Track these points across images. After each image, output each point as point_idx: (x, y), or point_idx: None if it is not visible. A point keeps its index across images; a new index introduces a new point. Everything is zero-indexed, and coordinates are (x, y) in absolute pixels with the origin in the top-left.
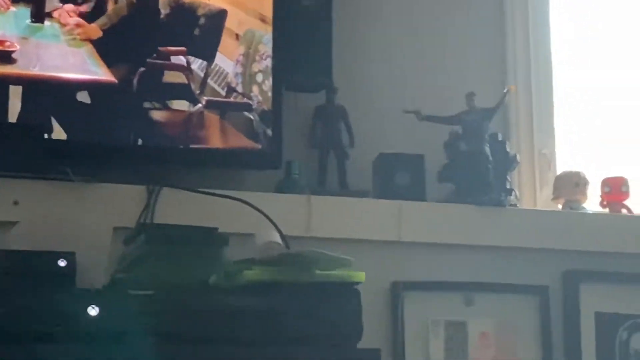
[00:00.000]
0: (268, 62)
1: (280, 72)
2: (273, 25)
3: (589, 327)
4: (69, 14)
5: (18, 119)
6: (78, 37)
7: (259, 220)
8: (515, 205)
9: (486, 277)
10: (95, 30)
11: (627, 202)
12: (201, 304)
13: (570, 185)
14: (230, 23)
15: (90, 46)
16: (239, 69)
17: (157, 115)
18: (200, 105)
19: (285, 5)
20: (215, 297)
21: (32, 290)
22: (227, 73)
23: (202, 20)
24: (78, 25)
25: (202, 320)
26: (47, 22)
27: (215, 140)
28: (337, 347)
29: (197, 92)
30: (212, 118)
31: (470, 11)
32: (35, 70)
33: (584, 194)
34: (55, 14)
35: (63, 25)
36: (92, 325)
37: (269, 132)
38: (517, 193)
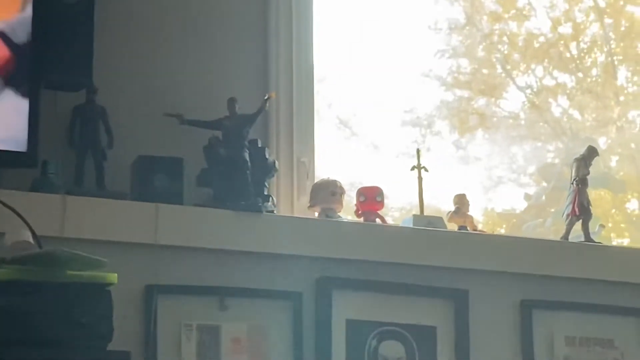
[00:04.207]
0: None
1: (39, 69)
2: (32, 21)
3: (340, 333)
4: None
5: None
6: None
7: (11, 219)
8: (272, 211)
9: (241, 282)
10: None
11: (381, 212)
12: None
13: (327, 193)
14: None
15: None
16: None
17: None
18: None
19: (46, 1)
20: None
21: None
22: None
23: None
24: None
25: None
26: None
27: None
28: (87, 349)
29: None
30: None
31: (233, 17)
32: None
33: (340, 202)
34: None
35: None
36: None
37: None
38: (275, 200)
